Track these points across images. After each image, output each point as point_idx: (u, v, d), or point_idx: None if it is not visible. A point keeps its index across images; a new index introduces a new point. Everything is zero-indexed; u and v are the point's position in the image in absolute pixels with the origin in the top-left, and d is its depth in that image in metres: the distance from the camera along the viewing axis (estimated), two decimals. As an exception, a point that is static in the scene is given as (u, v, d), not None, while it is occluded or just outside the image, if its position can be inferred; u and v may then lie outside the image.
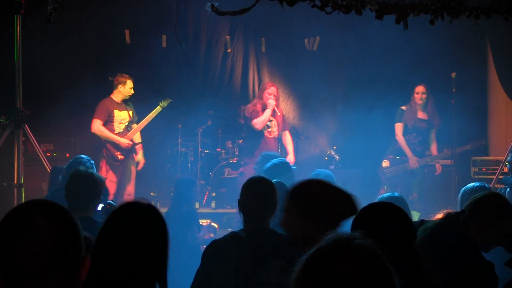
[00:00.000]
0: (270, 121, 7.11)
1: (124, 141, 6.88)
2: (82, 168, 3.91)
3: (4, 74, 6.23)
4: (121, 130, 6.93)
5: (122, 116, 6.95)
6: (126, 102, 7.06)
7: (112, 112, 6.88)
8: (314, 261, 1.31)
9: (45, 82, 7.26)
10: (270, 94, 7.02)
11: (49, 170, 5.93)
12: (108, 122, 6.88)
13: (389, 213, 2.26)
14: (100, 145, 7.09)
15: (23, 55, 5.74)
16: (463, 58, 7.71)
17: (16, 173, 5.77)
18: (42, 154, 6.06)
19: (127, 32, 7.98)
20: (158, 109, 7.10)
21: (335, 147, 7.86)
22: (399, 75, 7.52)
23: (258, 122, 7.02)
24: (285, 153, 7.29)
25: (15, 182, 5.75)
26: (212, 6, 3.83)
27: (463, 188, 3.87)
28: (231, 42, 8.44)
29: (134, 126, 7.05)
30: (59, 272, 1.37)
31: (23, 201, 5.73)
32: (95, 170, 4.86)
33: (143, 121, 7.06)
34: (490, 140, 8.05)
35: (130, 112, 7.04)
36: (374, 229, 2.12)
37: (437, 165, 7.14)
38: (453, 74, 6.88)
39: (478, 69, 7.94)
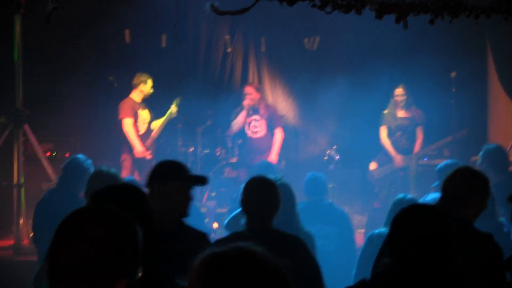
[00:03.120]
0: (257, 120, 7.13)
1: (139, 150, 6.84)
2: (104, 168, 3.92)
3: (4, 73, 6.23)
4: (145, 131, 6.96)
5: (144, 116, 7.01)
6: (144, 102, 7.08)
7: (137, 112, 6.91)
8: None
9: (44, 82, 7.26)
10: (244, 94, 7.10)
11: (49, 170, 5.94)
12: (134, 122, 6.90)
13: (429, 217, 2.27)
14: (98, 145, 7.09)
15: (22, 55, 5.75)
16: (463, 57, 7.71)
17: (16, 172, 5.79)
18: (42, 153, 6.06)
19: (127, 32, 7.97)
20: (173, 108, 7.16)
21: (335, 147, 7.85)
22: (399, 75, 7.51)
23: (233, 125, 7.21)
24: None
25: (15, 182, 5.76)
26: (212, 5, 3.83)
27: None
28: (231, 42, 8.44)
29: (153, 124, 7.08)
30: (90, 280, 1.38)
31: (23, 200, 5.77)
32: (92, 170, 4.87)
33: (162, 120, 7.13)
34: (490, 140, 8.04)
35: (149, 112, 7.08)
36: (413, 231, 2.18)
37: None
38: (453, 74, 6.89)
39: (478, 69, 7.93)
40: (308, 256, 2.96)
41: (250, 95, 7.10)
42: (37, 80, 6.90)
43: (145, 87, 6.96)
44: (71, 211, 1.47)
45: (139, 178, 6.61)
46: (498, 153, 5.21)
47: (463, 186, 2.91)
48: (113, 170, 3.88)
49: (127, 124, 6.78)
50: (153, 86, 7.10)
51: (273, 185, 3.04)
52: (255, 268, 1.27)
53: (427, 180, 7.17)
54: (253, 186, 3.03)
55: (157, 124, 7.13)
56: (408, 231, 2.20)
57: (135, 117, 6.90)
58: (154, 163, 7.00)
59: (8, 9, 5.65)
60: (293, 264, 2.82)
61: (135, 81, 6.97)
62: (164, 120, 7.16)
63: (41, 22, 4.70)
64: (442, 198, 2.95)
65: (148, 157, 6.92)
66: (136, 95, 6.96)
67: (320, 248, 4.58)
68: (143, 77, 6.96)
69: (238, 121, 7.12)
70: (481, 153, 5.35)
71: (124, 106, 6.85)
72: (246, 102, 7.07)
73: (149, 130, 7.05)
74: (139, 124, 6.94)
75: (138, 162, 6.94)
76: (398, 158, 7.02)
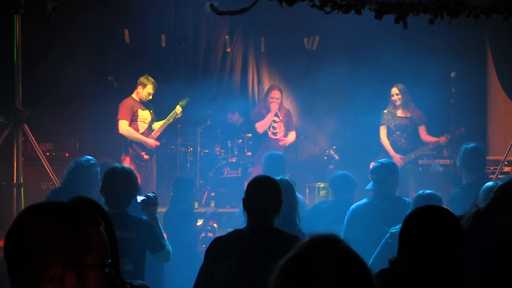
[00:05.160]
0: (276, 122, 7.26)
1: (151, 142, 6.91)
2: (118, 165, 3.93)
3: (4, 74, 6.23)
4: (145, 130, 6.94)
5: (144, 116, 6.97)
6: (147, 103, 7.05)
7: (136, 111, 6.89)
8: (292, 268, 1.31)
9: (44, 82, 7.26)
10: (272, 98, 7.22)
11: (48, 170, 5.93)
12: (132, 121, 6.88)
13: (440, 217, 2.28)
14: (98, 145, 7.08)
15: (22, 55, 5.75)
16: (463, 58, 7.71)
17: (16, 172, 5.77)
18: (42, 153, 6.06)
19: (126, 32, 7.98)
20: (178, 108, 7.13)
21: (334, 147, 7.85)
22: (399, 75, 7.52)
23: (260, 126, 7.32)
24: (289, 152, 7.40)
25: (15, 181, 5.75)
26: (212, 5, 3.83)
27: (484, 186, 3.89)
28: (230, 42, 8.44)
29: (155, 125, 7.06)
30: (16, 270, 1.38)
31: (23, 200, 5.76)
32: (98, 169, 4.88)
33: (165, 120, 7.10)
34: (490, 139, 8.05)
35: (151, 112, 7.07)
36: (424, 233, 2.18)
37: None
38: (453, 74, 6.89)
39: (477, 69, 7.94)
40: None
41: (278, 99, 7.31)
42: (36, 80, 6.90)
43: (142, 91, 6.91)
44: None
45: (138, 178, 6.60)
46: (473, 153, 5.19)
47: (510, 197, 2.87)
48: (126, 166, 3.88)
49: (122, 125, 6.78)
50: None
51: (276, 185, 3.04)
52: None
53: (427, 179, 7.18)
54: (255, 185, 3.03)
55: (159, 125, 7.09)
56: (418, 230, 2.23)
57: (134, 116, 6.88)
58: (153, 163, 7.05)
59: (8, 9, 5.65)
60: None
61: (138, 80, 6.95)
62: (167, 121, 7.12)
63: (41, 22, 4.70)
64: (487, 205, 2.92)
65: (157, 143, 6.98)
66: (135, 95, 6.96)
67: None
68: (145, 80, 6.90)
69: (265, 124, 7.30)
70: (459, 152, 5.36)
71: (123, 106, 6.84)
72: (275, 106, 7.27)
73: (150, 130, 7.03)
74: (139, 123, 6.92)
75: (136, 162, 6.93)
76: (396, 157, 7.00)
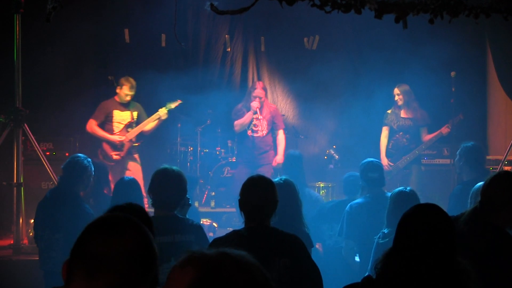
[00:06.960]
0: (257, 119, 7.04)
1: (114, 138, 6.83)
2: (168, 166, 3.83)
3: (4, 73, 6.23)
4: (121, 131, 6.89)
5: (122, 117, 6.92)
6: (132, 104, 7.01)
7: (111, 112, 6.87)
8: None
9: (44, 82, 7.26)
10: (255, 96, 6.99)
11: (48, 169, 5.94)
12: (107, 121, 6.87)
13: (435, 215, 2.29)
14: (97, 145, 7.09)
15: (22, 55, 5.75)
16: (462, 57, 7.71)
17: (16, 172, 5.78)
18: (42, 153, 6.06)
19: (126, 31, 7.98)
20: (162, 110, 6.97)
21: (334, 146, 7.86)
22: (399, 75, 7.52)
23: (237, 124, 7.06)
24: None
25: (15, 181, 5.76)
26: (212, 5, 3.83)
27: (474, 188, 3.90)
28: (230, 41, 8.44)
29: (140, 126, 7.00)
30: (116, 277, 1.40)
31: (23, 200, 5.77)
32: (92, 168, 4.88)
33: (144, 122, 6.98)
34: (490, 139, 8.05)
35: (134, 113, 7.00)
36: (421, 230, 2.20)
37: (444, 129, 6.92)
38: (453, 74, 6.89)
39: (477, 69, 7.93)
40: (306, 255, 2.97)
41: (261, 98, 6.99)
42: (36, 80, 6.91)
43: (119, 91, 6.89)
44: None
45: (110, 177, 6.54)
46: (475, 151, 5.30)
47: (502, 191, 2.85)
48: (175, 167, 3.78)
49: (88, 124, 6.81)
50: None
51: (271, 184, 3.03)
52: (243, 277, 1.25)
53: (429, 179, 7.18)
54: (250, 185, 3.02)
55: (140, 126, 6.98)
56: (414, 229, 2.24)
57: (109, 117, 6.86)
58: (129, 160, 6.98)
59: (7, 8, 5.65)
60: (292, 263, 2.83)
61: (118, 81, 6.94)
62: (146, 122, 6.95)
63: (41, 21, 4.70)
64: (480, 203, 2.90)
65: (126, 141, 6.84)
66: (117, 96, 6.96)
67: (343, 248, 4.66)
68: (124, 81, 6.88)
69: (243, 122, 7.00)
70: (458, 151, 5.42)
71: (98, 107, 6.89)
72: (256, 105, 6.91)
73: (125, 131, 6.91)
74: (114, 124, 6.89)
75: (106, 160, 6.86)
76: (385, 161, 7.00)
